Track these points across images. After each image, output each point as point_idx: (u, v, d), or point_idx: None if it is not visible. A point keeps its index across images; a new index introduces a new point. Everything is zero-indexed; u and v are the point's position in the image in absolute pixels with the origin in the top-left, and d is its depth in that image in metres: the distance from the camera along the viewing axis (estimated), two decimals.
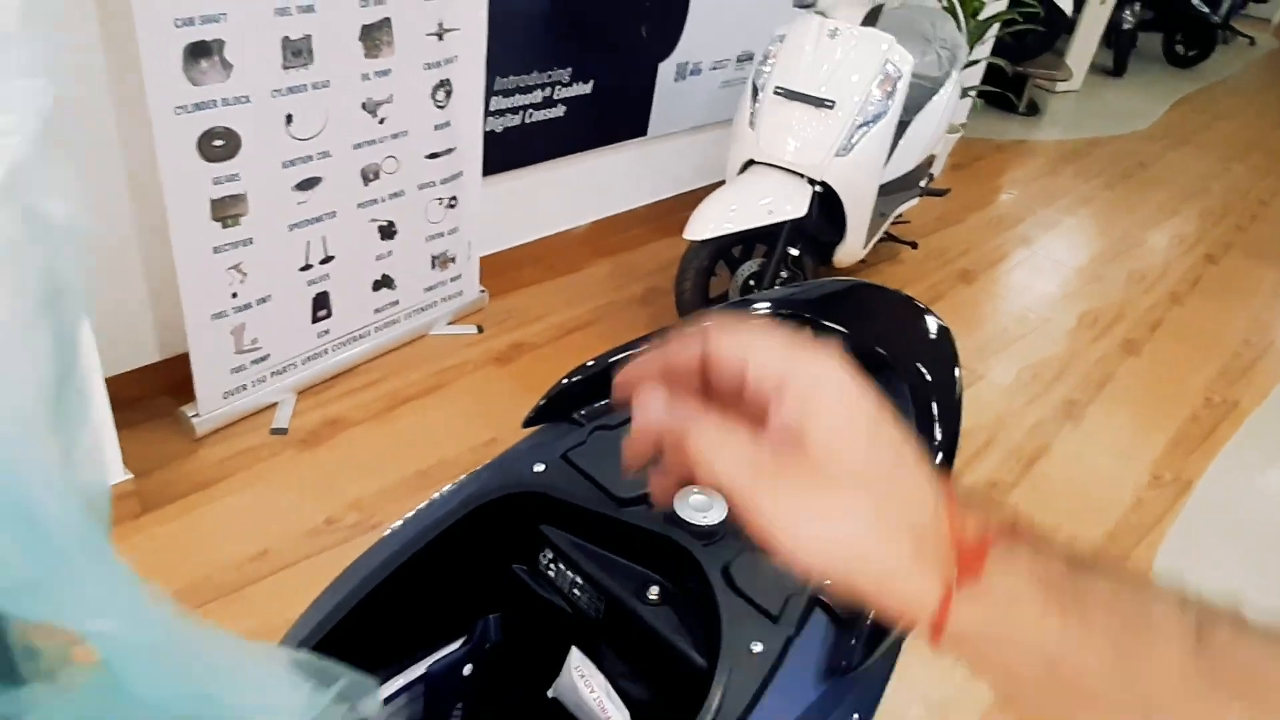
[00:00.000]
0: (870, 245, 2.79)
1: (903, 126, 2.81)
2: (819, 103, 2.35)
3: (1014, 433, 2.56)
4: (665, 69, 3.00)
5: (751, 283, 2.54)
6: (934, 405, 0.95)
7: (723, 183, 2.69)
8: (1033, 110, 5.61)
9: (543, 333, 2.69)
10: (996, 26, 4.08)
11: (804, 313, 1.07)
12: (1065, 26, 5.74)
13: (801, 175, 2.43)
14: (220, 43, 1.71)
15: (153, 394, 2.08)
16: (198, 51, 1.68)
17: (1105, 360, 2.98)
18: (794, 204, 2.40)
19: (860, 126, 2.38)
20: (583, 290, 2.93)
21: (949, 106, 3.04)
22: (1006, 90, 5.27)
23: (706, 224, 2.36)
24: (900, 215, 3.14)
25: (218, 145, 1.79)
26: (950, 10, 3.41)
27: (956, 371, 1.00)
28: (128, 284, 1.98)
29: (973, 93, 4.30)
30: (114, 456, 1.76)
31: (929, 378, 0.97)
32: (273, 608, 1.71)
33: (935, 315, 1.08)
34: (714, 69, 3.19)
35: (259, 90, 1.81)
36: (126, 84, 1.75)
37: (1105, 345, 3.07)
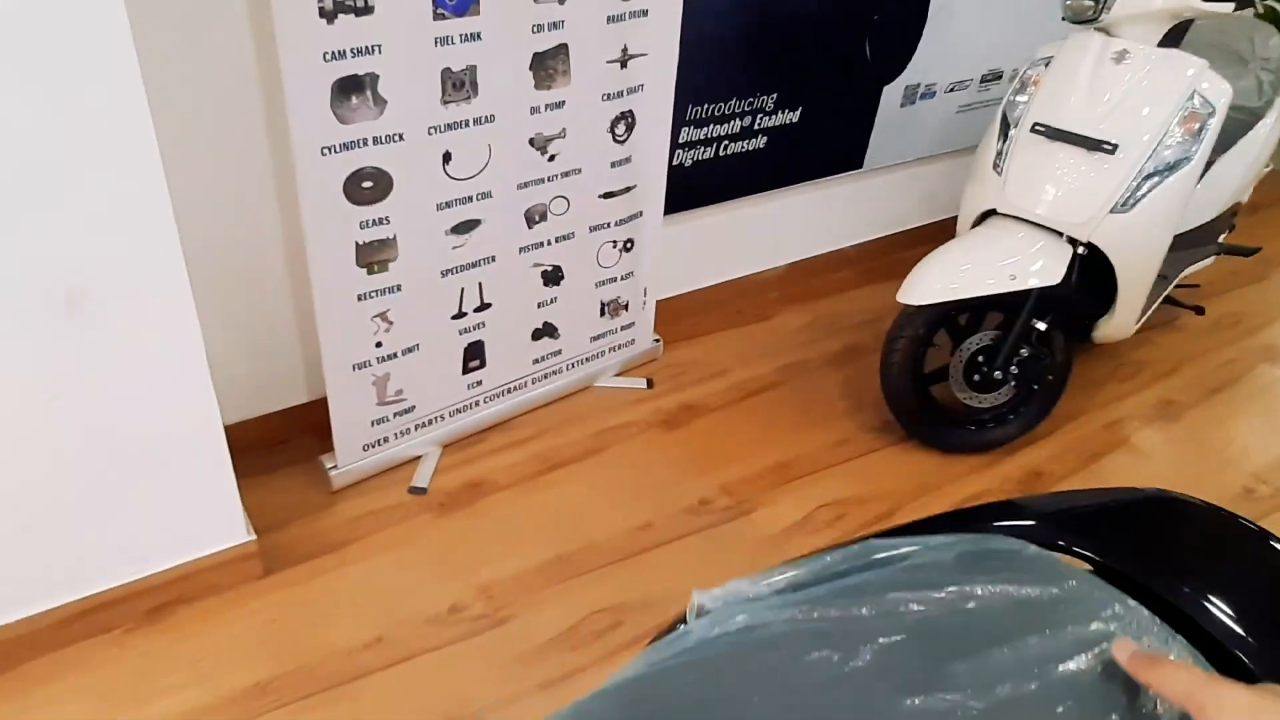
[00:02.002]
0: (1146, 317, 2.21)
1: (1205, 168, 2.20)
2: (1094, 145, 1.84)
3: None
4: (891, 92, 2.56)
5: (980, 359, 2.07)
6: None
7: (951, 222, 2.23)
8: None
9: (719, 394, 2.35)
10: None
11: (1083, 547, 0.68)
12: None
13: (1059, 234, 1.92)
14: (374, 77, 1.53)
15: (300, 434, 1.98)
16: (348, 87, 1.51)
17: None
18: (1046, 269, 1.90)
19: (1150, 177, 1.83)
20: (770, 343, 2.57)
21: (1269, 142, 2.37)
22: None
23: (929, 286, 1.93)
24: (1187, 278, 2.49)
25: (366, 187, 1.62)
26: (1272, 18, 2.70)
27: None
28: (279, 323, 1.87)
29: None
30: (235, 516, 1.64)
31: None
32: (376, 711, 1.52)
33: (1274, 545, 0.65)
34: (951, 91, 2.70)
35: (414, 127, 1.62)
36: (282, 117, 1.62)
37: None
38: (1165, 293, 2.33)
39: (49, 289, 1.25)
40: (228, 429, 1.57)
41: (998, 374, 2.04)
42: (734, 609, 0.66)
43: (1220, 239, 2.49)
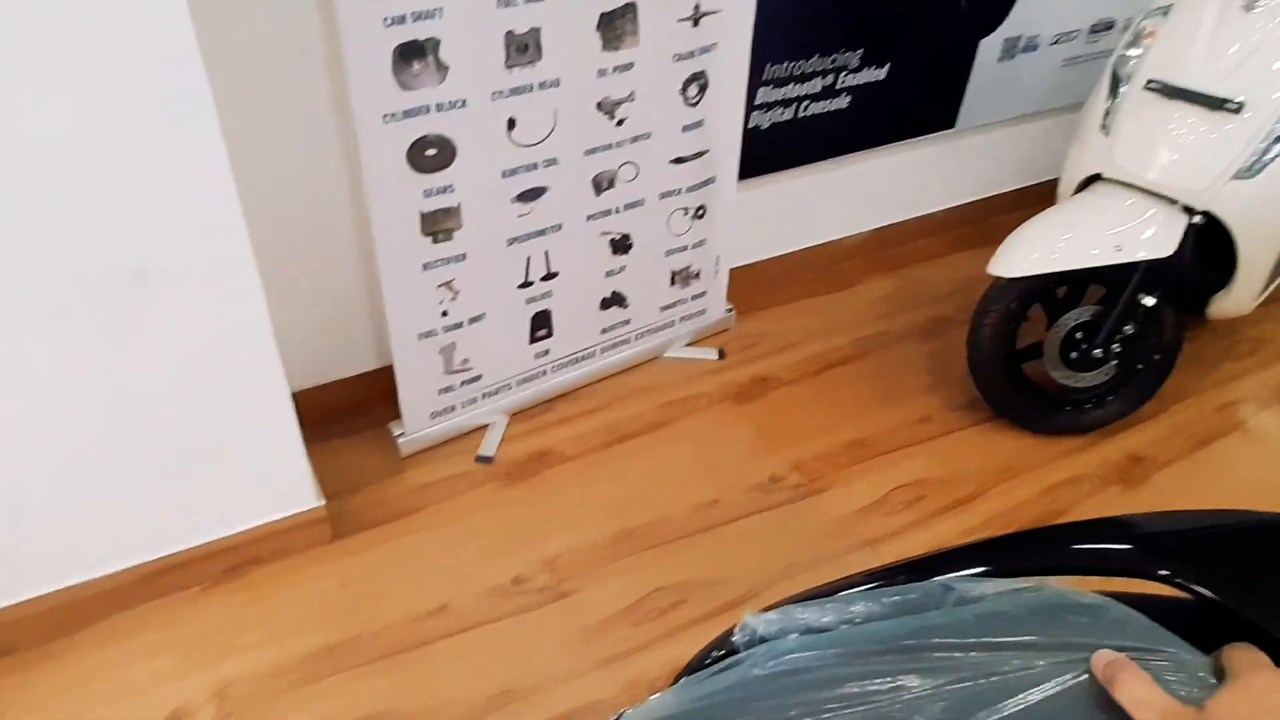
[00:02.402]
0: (1267, 293, 2.01)
1: None
2: (1217, 104, 1.66)
3: None
4: (989, 45, 2.38)
5: (1079, 335, 1.92)
6: None
7: (1050, 186, 2.07)
8: None
9: (794, 365, 2.27)
10: None
11: (1189, 580, 0.59)
12: None
13: (1173, 201, 1.75)
14: (435, 41, 1.49)
15: (369, 402, 2.00)
16: (409, 53, 1.47)
17: None
18: (1158, 240, 1.74)
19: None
20: (850, 313, 2.46)
21: None
22: None
23: (1025, 257, 1.79)
24: None
25: (430, 154, 1.60)
26: None
27: None
28: (348, 291, 1.88)
29: None
30: (304, 483, 1.66)
31: None
32: (438, 678, 1.53)
33: None
34: (1055, 43, 2.49)
35: (478, 93, 1.58)
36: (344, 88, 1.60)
37: None
38: None
39: (119, 265, 1.26)
40: (299, 395, 1.59)
41: (1098, 352, 1.90)
42: (785, 642, 0.60)
43: None
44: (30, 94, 1.11)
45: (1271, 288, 2.03)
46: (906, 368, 2.27)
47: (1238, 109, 1.63)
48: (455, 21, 1.49)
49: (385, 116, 1.51)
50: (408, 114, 1.53)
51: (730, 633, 0.64)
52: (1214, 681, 0.50)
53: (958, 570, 0.63)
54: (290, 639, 1.57)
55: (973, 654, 0.52)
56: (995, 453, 2.02)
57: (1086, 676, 0.50)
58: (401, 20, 1.44)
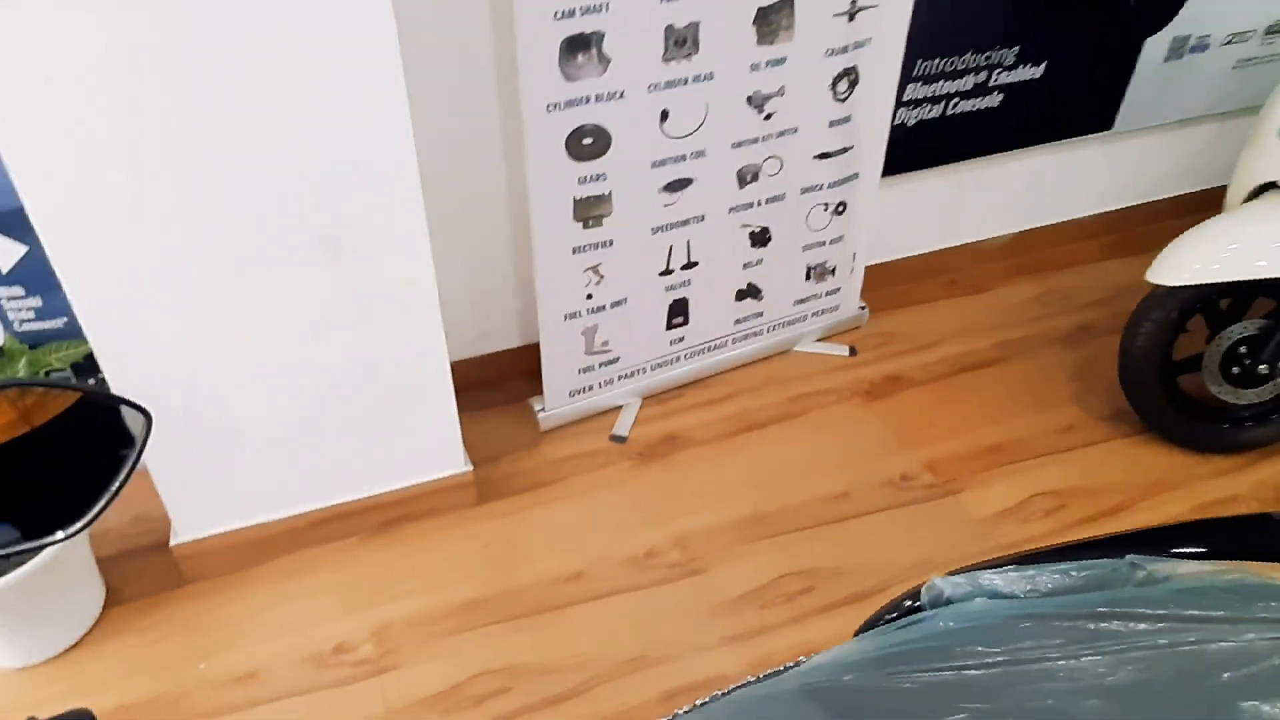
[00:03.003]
0: None
1: None
2: None
3: None
4: (1154, 45, 2.28)
5: (1242, 350, 1.82)
6: None
7: (1215, 194, 1.97)
8: None
9: (928, 366, 2.24)
10: None
11: None
12: None
13: None
14: (600, 35, 1.57)
15: (511, 377, 2.11)
16: (575, 45, 1.56)
17: None
18: None
19: None
20: (990, 316, 2.41)
21: None
22: None
23: (1187, 265, 1.72)
24: None
25: (587, 143, 1.68)
26: None
27: None
28: (498, 271, 1.99)
29: None
30: (456, 448, 1.78)
31: None
32: (574, 639, 1.61)
33: None
34: (1228, 44, 2.36)
35: (635, 85, 1.65)
36: (510, 76, 1.71)
37: None
38: None
39: (311, 233, 1.40)
40: (451, 366, 1.70)
41: (1263, 368, 1.80)
42: (972, 604, 0.63)
43: None
44: (263, 100, 1.25)
45: None
46: (1049, 374, 2.21)
47: None
48: (620, 15, 1.56)
49: (549, 106, 1.60)
50: (569, 104, 1.62)
51: (912, 593, 0.67)
52: None
53: (1152, 550, 0.64)
54: (441, 590, 1.69)
55: (1161, 625, 0.54)
56: (1143, 466, 1.94)
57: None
58: (571, 14, 1.52)
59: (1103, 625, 0.54)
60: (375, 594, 1.69)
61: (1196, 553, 0.64)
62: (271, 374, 1.53)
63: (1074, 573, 0.61)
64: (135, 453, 0.53)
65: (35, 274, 1.51)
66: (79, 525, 0.52)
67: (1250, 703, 0.48)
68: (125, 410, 0.54)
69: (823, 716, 0.56)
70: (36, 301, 1.55)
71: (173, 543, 1.66)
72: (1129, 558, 0.61)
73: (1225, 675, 0.50)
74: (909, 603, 0.67)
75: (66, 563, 1.55)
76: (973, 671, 0.55)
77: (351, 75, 1.30)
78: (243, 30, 1.21)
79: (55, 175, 1.22)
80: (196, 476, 1.59)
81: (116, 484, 0.52)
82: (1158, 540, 0.66)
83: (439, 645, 1.61)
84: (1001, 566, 0.64)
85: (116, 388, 1.43)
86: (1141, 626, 0.53)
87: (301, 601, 1.68)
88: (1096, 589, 0.59)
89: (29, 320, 1.57)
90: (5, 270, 1.52)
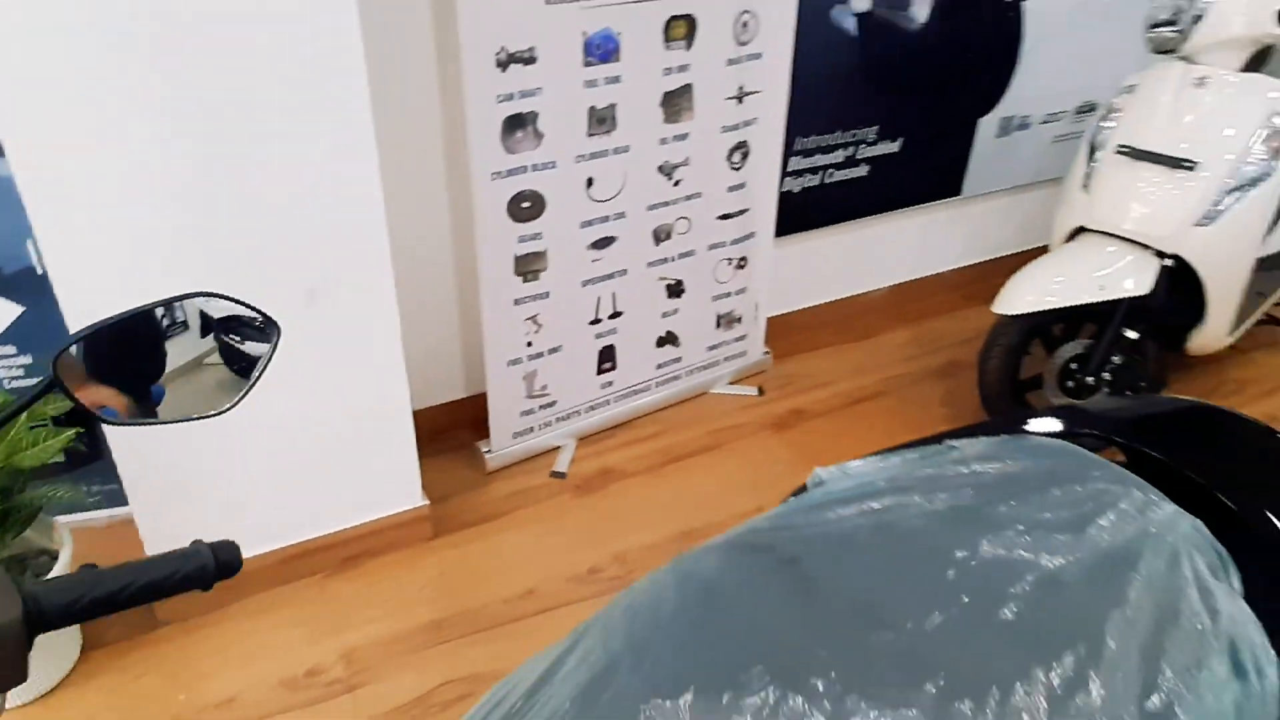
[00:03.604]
0: (1241, 331, 2.30)
1: None
2: (1176, 163, 1.99)
3: None
4: (987, 124, 2.75)
5: (1074, 366, 2.20)
6: None
7: (1047, 248, 2.38)
8: None
9: (826, 400, 2.55)
10: None
11: (1125, 438, 0.87)
12: None
13: (1146, 246, 2.06)
14: (534, 114, 1.85)
15: (457, 426, 2.29)
16: (514, 123, 1.84)
17: None
18: (1134, 280, 2.04)
19: (1231, 192, 1.97)
20: (875, 358, 2.75)
21: None
22: None
23: (1021, 296, 2.09)
24: None
25: (525, 206, 1.94)
26: None
27: None
28: (445, 328, 2.20)
29: None
30: (414, 484, 1.95)
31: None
32: (531, 648, 1.75)
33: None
34: (1046, 123, 2.86)
35: (565, 156, 1.94)
36: (455, 150, 1.96)
37: None
38: (1263, 309, 2.40)
39: (295, 286, 1.59)
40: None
41: (1091, 380, 2.17)
42: (839, 481, 0.89)
43: None
44: (267, 182, 1.46)
45: (1244, 326, 2.32)
46: (926, 402, 2.55)
47: (1193, 167, 1.96)
48: (550, 98, 1.85)
49: (493, 174, 1.86)
50: (510, 172, 1.88)
51: (800, 486, 0.92)
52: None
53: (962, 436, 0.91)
54: (403, 615, 1.83)
55: (964, 471, 0.80)
56: None
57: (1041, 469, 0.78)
58: (510, 97, 1.81)
59: (928, 472, 0.80)
60: (342, 623, 1.81)
61: (990, 430, 0.91)
62: (248, 421, 1.67)
63: (910, 454, 0.87)
64: (270, 353, 0.72)
65: (27, 333, 1.63)
66: (231, 405, 0.70)
67: (1007, 505, 0.74)
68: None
69: (744, 556, 0.79)
70: (27, 359, 1.66)
71: None
72: (945, 441, 0.87)
73: (1002, 507, 0.76)
74: (798, 490, 0.92)
75: None
76: (852, 515, 0.79)
77: (337, 159, 1.52)
78: (247, 130, 1.42)
79: (68, 221, 1.39)
80: (173, 515, 1.70)
81: (257, 375, 0.70)
82: (972, 432, 0.93)
83: (405, 661, 1.74)
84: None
85: (111, 433, 1.56)
86: (951, 471, 0.80)
87: (273, 634, 1.78)
88: (924, 459, 0.85)
89: (18, 377, 1.67)
90: (0, 330, 1.64)
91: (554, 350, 2.16)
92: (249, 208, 1.50)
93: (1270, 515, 0.77)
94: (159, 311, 0.69)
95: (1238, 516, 0.74)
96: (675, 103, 2.05)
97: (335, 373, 1.71)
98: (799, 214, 2.56)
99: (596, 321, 2.21)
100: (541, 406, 2.22)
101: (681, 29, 1.97)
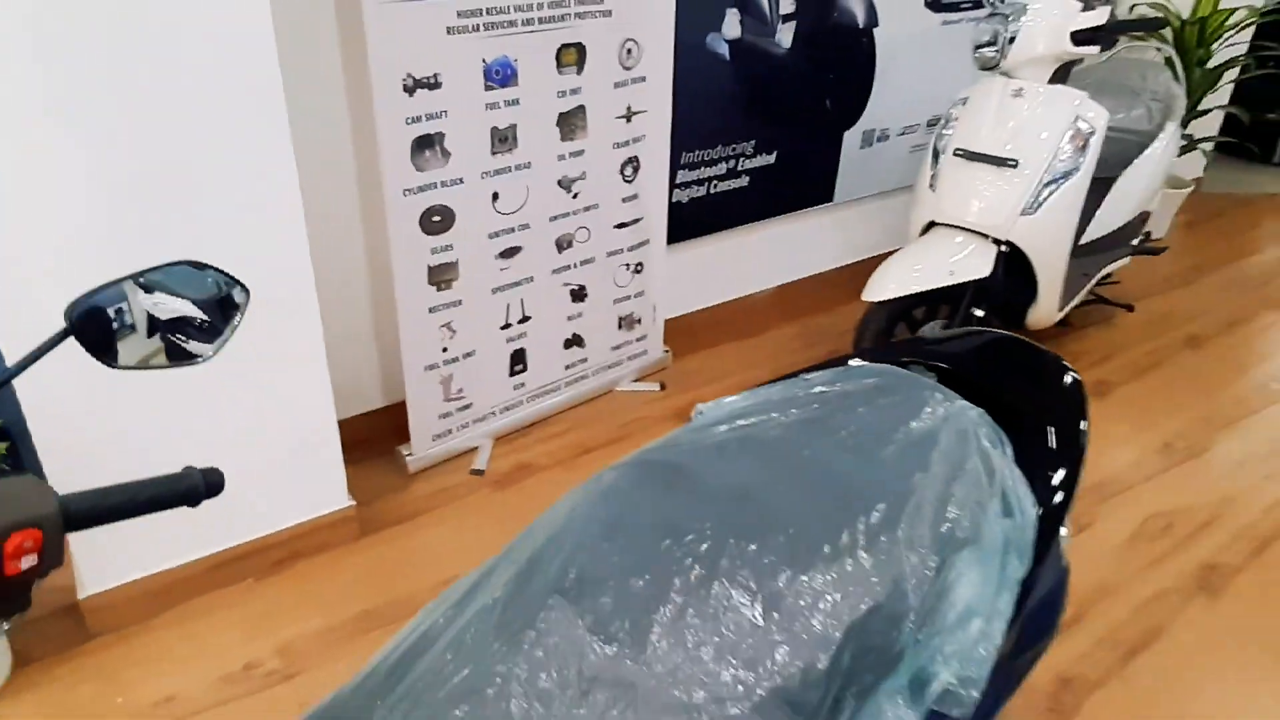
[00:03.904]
0: (1069, 307, 2.65)
1: (1108, 183, 2.68)
2: (1001, 162, 2.31)
3: (1244, 513, 2.29)
4: (851, 137, 3.06)
5: None
6: (1056, 458, 0.94)
7: None
8: None
9: (722, 392, 2.73)
10: (1234, 74, 3.75)
11: (936, 360, 1.10)
12: None
13: (985, 235, 2.38)
14: (441, 135, 2.01)
15: (379, 434, 2.40)
16: (423, 143, 1.99)
17: None
18: (977, 264, 2.35)
19: (1048, 185, 2.30)
20: (765, 352, 3.00)
21: (1163, 160, 2.85)
22: (1252, 141, 4.80)
23: (886, 285, 2.37)
24: (1110, 276, 2.95)
25: (436, 220, 2.09)
26: (1169, 61, 3.21)
27: (1083, 424, 0.98)
28: (363, 341, 2.32)
29: (1207, 145, 3.96)
30: (341, 486, 2.06)
31: (1053, 428, 0.97)
32: None
33: (1071, 370, 1.07)
34: (902, 134, 3.20)
35: (471, 173, 2.10)
36: (367, 170, 2.10)
37: None
38: (1088, 287, 2.77)
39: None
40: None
41: None
42: (723, 408, 1.09)
43: (1133, 242, 2.94)
44: (194, 210, 1.57)
45: (1074, 303, 2.68)
46: None
47: (1015, 165, 2.29)
48: (456, 120, 2.02)
49: (405, 190, 2.01)
50: (421, 189, 2.03)
51: (690, 418, 1.11)
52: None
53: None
54: (335, 609, 1.93)
55: (816, 390, 1.01)
56: None
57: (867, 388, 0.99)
58: (419, 119, 1.96)
59: (784, 396, 1.01)
60: (275, 621, 1.90)
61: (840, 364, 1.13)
62: (178, 430, 1.76)
63: (773, 387, 1.08)
64: (241, 313, 0.86)
65: None
66: (213, 354, 0.83)
67: (844, 414, 0.96)
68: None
69: (643, 468, 0.97)
70: None
71: (80, 595, 1.80)
72: (800, 376, 1.08)
73: (840, 415, 0.97)
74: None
75: None
76: (724, 432, 0.99)
77: (259, 178, 1.65)
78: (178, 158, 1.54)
79: None
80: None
81: (228, 331, 0.84)
82: (822, 367, 1.14)
83: (339, 650, 1.84)
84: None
85: (43, 447, 1.62)
86: (803, 395, 1.00)
87: (207, 637, 1.85)
88: (783, 389, 1.06)
89: None
90: None
91: (468, 355, 2.31)
92: (175, 222, 1.61)
93: (1045, 418, 1.01)
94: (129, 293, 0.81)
95: (1014, 408, 0.97)
96: (570, 122, 2.25)
97: (263, 381, 1.82)
98: (689, 222, 2.79)
99: (507, 326, 2.37)
100: (459, 409, 2.36)
101: (572, 55, 2.18)
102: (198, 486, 0.75)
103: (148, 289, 0.80)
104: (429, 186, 2.04)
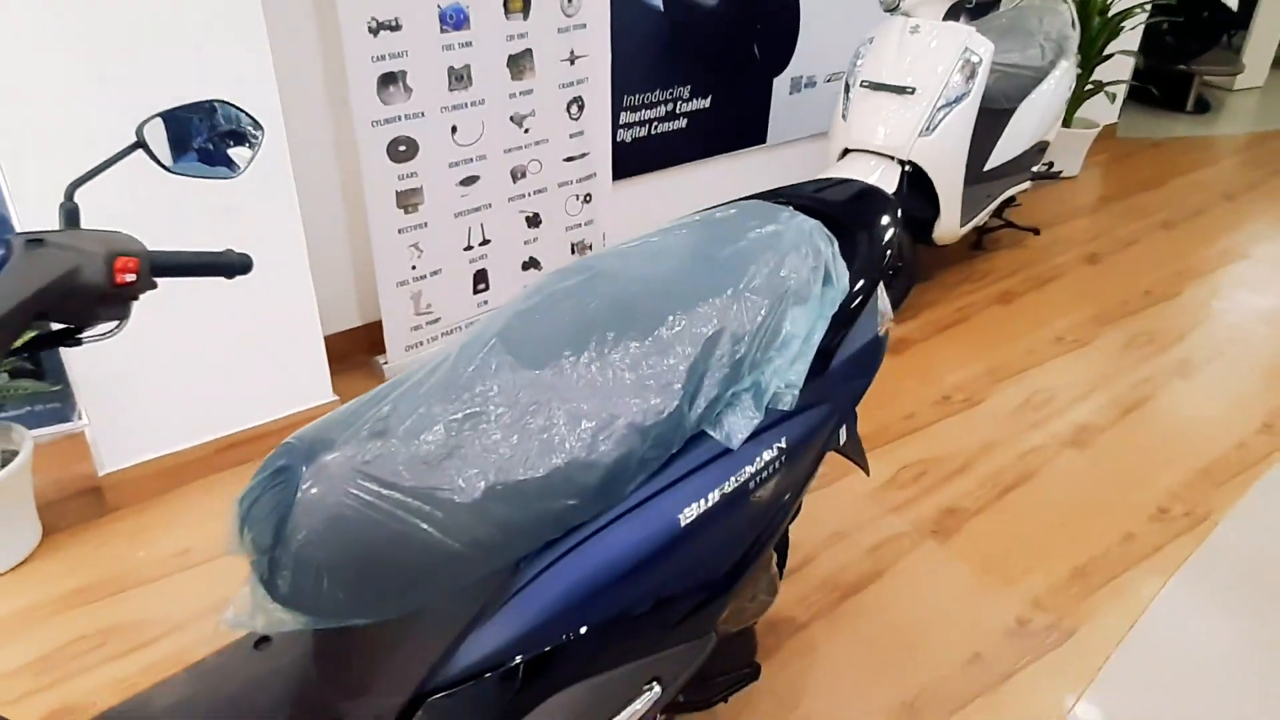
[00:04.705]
0: (971, 224, 2.98)
1: (1007, 114, 3.01)
2: (901, 90, 2.64)
3: (1116, 386, 2.63)
4: (780, 83, 3.37)
5: None
6: (872, 254, 1.26)
7: None
8: (1202, 108, 5.40)
9: None
10: (1139, 20, 4.10)
11: (791, 197, 1.40)
12: (1234, 22, 5.52)
13: (891, 157, 2.70)
14: (403, 73, 2.30)
15: (356, 349, 2.69)
16: (387, 80, 2.28)
17: (1236, 328, 2.95)
18: (884, 183, 2.67)
19: (942, 108, 2.63)
20: None
21: (1057, 94, 3.18)
22: (1168, 88, 5.19)
23: None
24: (1013, 200, 3.29)
25: (402, 150, 2.38)
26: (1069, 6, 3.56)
27: (888, 225, 1.29)
28: (340, 266, 2.60)
29: (1118, 89, 4.31)
30: (326, 383, 2.34)
31: (867, 233, 1.29)
32: None
33: (889, 197, 1.38)
34: (829, 81, 3.52)
35: (432, 108, 2.39)
36: (338, 102, 2.38)
37: (1237, 317, 3.03)
38: (990, 209, 3.11)
39: (214, 204, 1.98)
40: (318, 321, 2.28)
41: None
42: (638, 237, 1.38)
43: (1033, 169, 3.28)
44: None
45: (975, 221, 3.01)
46: None
47: (913, 92, 2.61)
48: (416, 59, 2.30)
49: (373, 122, 2.29)
50: (387, 121, 2.32)
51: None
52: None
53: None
54: None
55: (701, 218, 1.32)
56: None
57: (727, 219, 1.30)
58: (382, 59, 2.25)
59: (681, 222, 1.31)
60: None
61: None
62: (183, 328, 2.04)
63: (678, 220, 1.38)
64: (258, 144, 1.14)
65: None
66: (245, 168, 1.11)
67: (720, 228, 1.26)
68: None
69: (565, 273, 1.26)
70: None
71: (100, 473, 2.07)
72: (698, 212, 1.39)
73: (717, 229, 1.28)
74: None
75: (10, 489, 1.93)
76: (634, 245, 1.29)
77: (245, 94, 1.92)
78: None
79: None
80: (118, 409, 2.04)
81: (254, 154, 1.11)
82: (721, 204, 1.45)
83: None
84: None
85: None
86: (695, 220, 1.31)
87: (217, 505, 2.14)
88: (683, 219, 1.36)
89: None
90: None
91: (435, 273, 2.60)
92: None
93: (864, 227, 1.31)
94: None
95: (845, 225, 1.28)
96: (519, 64, 2.54)
97: (254, 282, 2.10)
98: (633, 160, 3.09)
99: (469, 248, 2.66)
100: (428, 323, 2.65)
101: (519, 3, 2.46)
102: (235, 263, 1.04)
103: (189, 118, 1.08)
104: (394, 119, 2.33)
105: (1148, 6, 4.04)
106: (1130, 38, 4.37)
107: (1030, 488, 2.22)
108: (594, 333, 1.08)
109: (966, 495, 2.18)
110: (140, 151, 1.03)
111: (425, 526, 0.95)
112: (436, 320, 2.67)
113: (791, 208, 1.32)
